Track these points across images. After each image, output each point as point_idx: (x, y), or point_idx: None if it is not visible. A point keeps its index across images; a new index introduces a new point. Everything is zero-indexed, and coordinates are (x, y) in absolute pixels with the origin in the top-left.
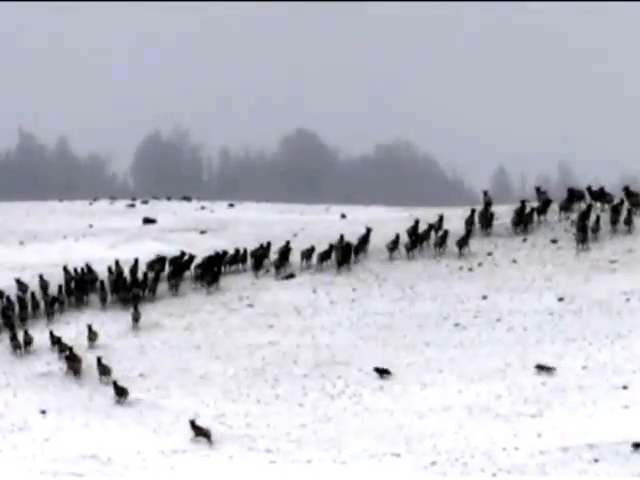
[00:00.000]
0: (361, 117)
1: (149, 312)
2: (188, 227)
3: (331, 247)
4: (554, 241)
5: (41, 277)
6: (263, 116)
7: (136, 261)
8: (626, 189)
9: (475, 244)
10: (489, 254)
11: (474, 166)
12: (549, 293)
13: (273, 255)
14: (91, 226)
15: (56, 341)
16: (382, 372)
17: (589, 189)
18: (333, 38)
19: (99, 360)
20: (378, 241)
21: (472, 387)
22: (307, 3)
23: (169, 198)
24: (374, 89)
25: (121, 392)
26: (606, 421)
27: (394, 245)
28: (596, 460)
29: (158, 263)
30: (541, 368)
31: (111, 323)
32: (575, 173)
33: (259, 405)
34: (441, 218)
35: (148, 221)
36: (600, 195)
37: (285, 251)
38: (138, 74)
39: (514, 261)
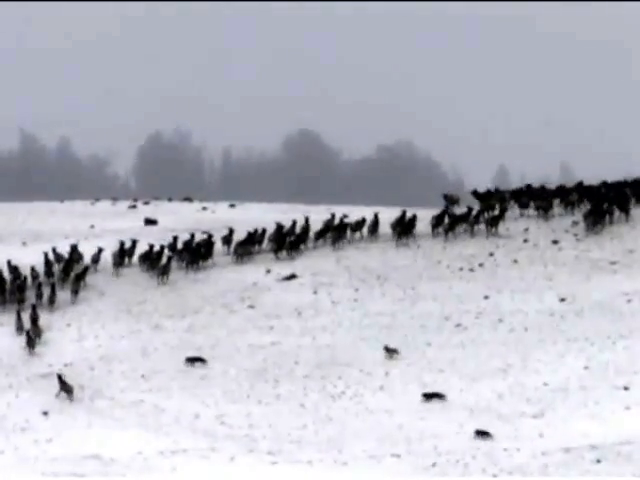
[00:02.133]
0: (362, 117)
1: (150, 314)
2: (190, 228)
3: (376, 217)
4: (555, 242)
5: (9, 264)
6: (265, 116)
7: (192, 235)
8: (474, 192)
9: (476, 244)
10: (490, 254)
11: (475, 166)
12: (550, 293)
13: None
14: (93, 227)
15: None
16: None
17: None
18: (333, 38)
19: (18, 314)
20: None
21: (473, 387)
22: (306, 3)
23: (170, 199)
24: (375, 89)
25: (23, 329)
26: (608, 422)
27: (438, 221)
28: (598, 461)
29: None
30: (388, 350)
31: (112, 324)
32: (577, 172)
33: (260, 406)
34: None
35: (150, 222)
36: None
37: (344, 225)
38: (138, 74)
39: (515, 261)
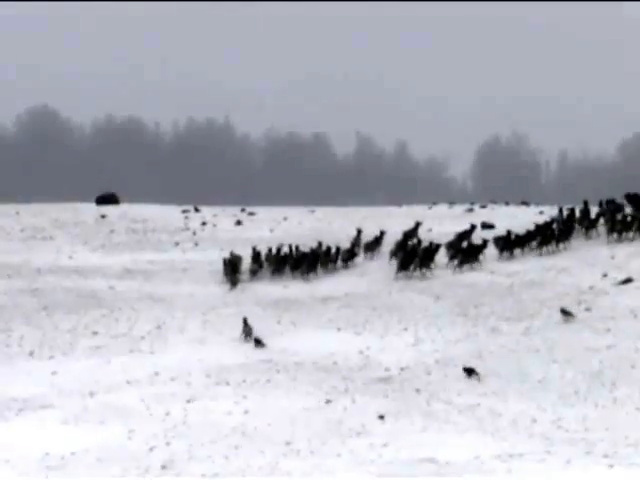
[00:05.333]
0: None
1: (487, 317)
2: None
3: None
4: None
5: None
6: (600, 120)
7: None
8: None
9: None
10: None
11: None
12: None
13: None
14: (430, 230)
15: None
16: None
17: None
18: None
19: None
20: None
21: None
22: None
23: (507, 203)
24: None
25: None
26: None
27: None
28: None
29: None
30: None
31: (448, 328)
32: None
33: (597, 409)
34: None
35: (486, 226)
36: None
37: None
38: (472, 80)
39: None
